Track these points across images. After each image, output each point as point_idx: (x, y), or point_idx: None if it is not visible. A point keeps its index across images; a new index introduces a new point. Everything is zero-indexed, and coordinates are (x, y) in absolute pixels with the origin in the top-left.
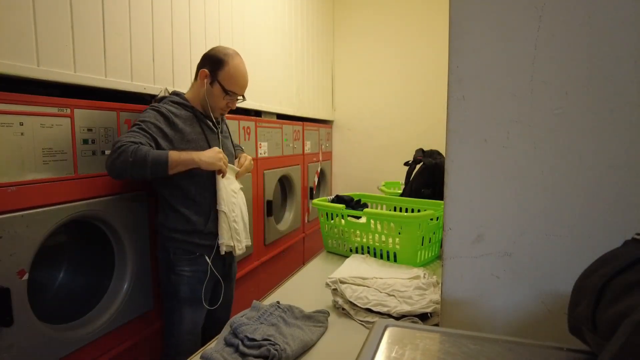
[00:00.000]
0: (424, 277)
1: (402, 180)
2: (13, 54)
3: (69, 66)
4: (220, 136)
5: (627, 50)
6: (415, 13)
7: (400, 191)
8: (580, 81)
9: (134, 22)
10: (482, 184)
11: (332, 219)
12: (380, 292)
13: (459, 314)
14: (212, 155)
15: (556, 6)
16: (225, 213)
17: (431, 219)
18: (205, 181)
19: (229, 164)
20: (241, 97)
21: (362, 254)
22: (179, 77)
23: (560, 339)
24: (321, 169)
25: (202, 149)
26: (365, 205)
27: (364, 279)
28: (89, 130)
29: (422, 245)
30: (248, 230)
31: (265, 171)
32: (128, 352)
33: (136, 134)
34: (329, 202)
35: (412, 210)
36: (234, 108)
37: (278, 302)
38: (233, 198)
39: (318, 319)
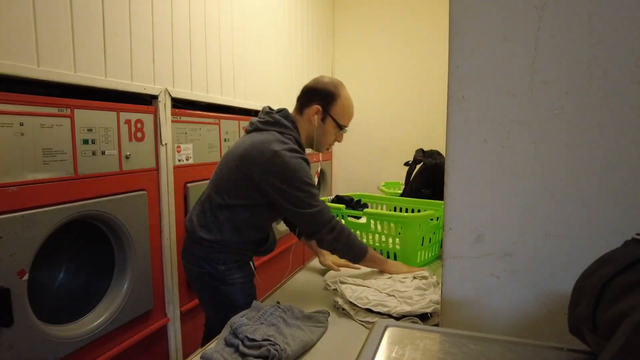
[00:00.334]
0: (423, 277)
1: (402, 181)
2: (13, 54)
3: (69, 66)
4: None
5: (627, 50)
6: (415, 13)
7: (401, 191)
8: (580, 81)
9: (134, 22)
10: (482, 184)
11: None
12: (381, 292)
13: (459, 314)
14: (399, 268)
15: (556, 6)
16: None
17: (431, 219)
18: (272, 212)
19: None
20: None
21: None
22: (179, 77)
23: (560, 339)
24: (321, 169)
25: None
26: (365, 206)
27: (363, 279)
28: (89, 130)
29: (422, 245)
30: None
31: None
32: (128, 352)
33: (321, 200)
34: (328, 202)
35: (412, 211)
36: (340, 141)
37: (278, 303)
38: None
39: (318, 319)
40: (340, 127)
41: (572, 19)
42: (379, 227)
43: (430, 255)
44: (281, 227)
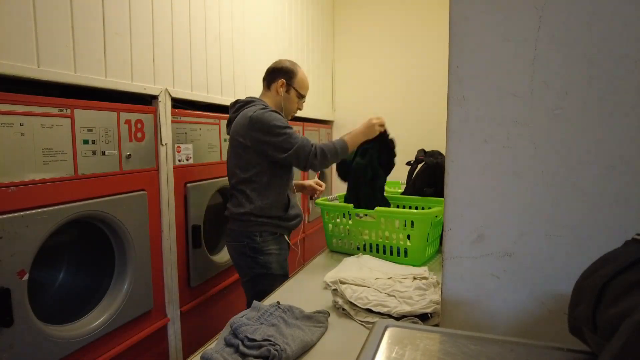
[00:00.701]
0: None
1: (402, 180)
2: (13, 54)
3: (69, 66)
4: None
5: (627, 50)
6: (416, 13)
7: (401, 190)
8: (580, 81)
9: (134, 22)
10: (482, 184)
11: (337, 219)
12: (381, 293)
13: (459, 314)
14: (370, 126)
15: (556, 6)
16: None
17: (436, 216)
18: (286, 170)
19: None
20: (304, 99)
21: (370, 251)
22: (179, 77)
23: (560, 339)
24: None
25: None
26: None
27: (363, 279)
28: (89, 130)
29: (428, 241)
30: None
31: None
32: (128, 352)
33: (299, 135)
34: (328, 201)
35: (416, 208)
36: (301, 109)
37: (278, 303)
38: None
39: (318, 319)
40: (301, 96)
41: (572, 19)
42: (386, 224)
43: (432, 251)
44: None
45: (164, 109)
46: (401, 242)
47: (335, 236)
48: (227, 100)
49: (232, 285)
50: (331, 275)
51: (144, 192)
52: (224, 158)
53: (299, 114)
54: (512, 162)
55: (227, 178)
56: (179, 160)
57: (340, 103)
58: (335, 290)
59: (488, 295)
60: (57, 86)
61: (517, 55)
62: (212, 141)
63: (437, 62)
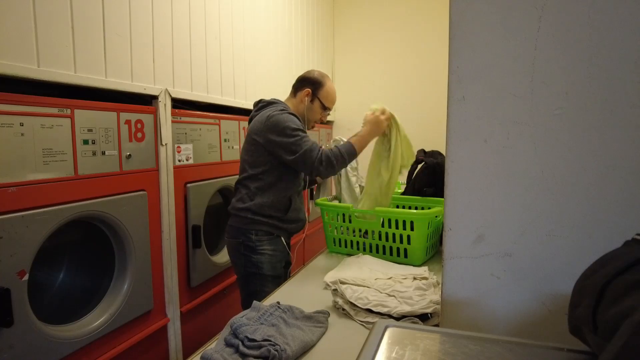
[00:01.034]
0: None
1: (402, 180)
2: (13, 54)
3: (69, 66)
4: None
5: (627, 50)
6: (416, 13)
7: (401, 190)
8: (580, 81)
9: (134, 22)
10: (482, 184)
11: (338, 219)
12: (381, 293)
13: (459, 314)
14: (377, 123)
15: (556, 6)
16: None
17: (436, 217)
18: (293, 174)
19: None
20: (329, 112)
21: (370, 252)
22: (179, 77)
23: (560, 339)
24: None
25: None
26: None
27: (363, 279)
28: (89, 130)
29: (427, 241)
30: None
31: None
32: (128, 352)
33: (310, 142)
34: (328, 200)
35: (416, 208)
36: (325, 121)
37: (278, 303)
38: None
39: (318, 319)
40: (325, 108)
41: (572, 19)
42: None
43: (431, 252)
44: None
45: (164, 109)
46: (402, 243)
47: (335, 237)
48: (227, 100)
49: (232, 285)
50: (331, 276)
51: (144, 192)
52: (224, 158)
53: None
54: (512, 162)
55: (227, 178)
56: (179, 161)
57: (340, 103)
58: (335, 290)
59: (488, 295)
60: (57, 86)
61: (517, 55)
62: (212, 141)
63: (437, 62)
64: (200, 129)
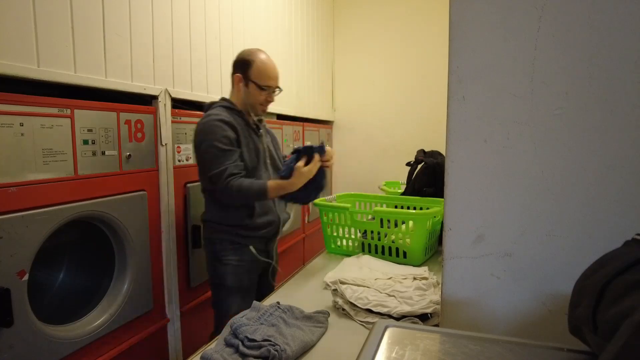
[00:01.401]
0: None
1: (402, 180)
2: (13, 54)
3: (69, 66)
4: (266, 141)
5: (627, 50)
6: (416, 14)
7: (401, 190)
8: (580, 81)
9: (134, 22)
10: (482, 184)
11: (337, 220)
12: (381, 293)
13: (459, 314)
14: (303, 175)
15: (556, 6)
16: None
17: (435, 217)
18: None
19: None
20: (277, 89)
21: (369, 252)
22: (179, 77)
23: (560, 339)
24: None
25: (254, 153)
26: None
27: (363, 279)
28: (89, 130)
29: (427, 241)
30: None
31: None
32: (128, 352)
33: (225, 160)
34: (327, 201)
35: (415, 208)
36: (273, 101)
37: (278, 303)
38: None
39: (318, 319)
40: (262, 88)
41: (572, 19)
42: (387, 224)
43: (431, 252)
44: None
45: (164, 109)
46: (400, 242)
47: (334, 238)
48: None
49: None
50: (331, 276)
51: (144, 192)
52: None
53: (298, 113)
54: (512, 162)
55: None
56: (179, 161)
57: (340, 103)
58: (335, 290)
59: (488, 295)
60: (57, 86)
61: (517, 55)
62: None
63: (437, 62)
64: None
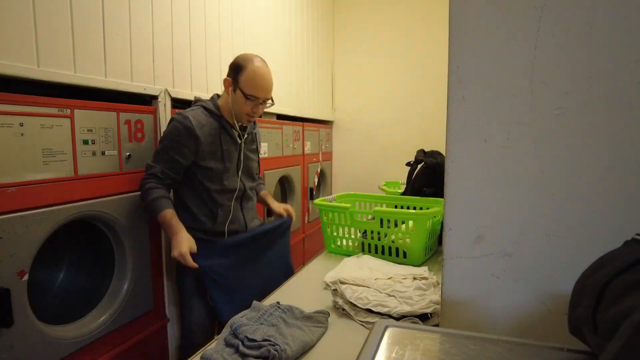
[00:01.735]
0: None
1: (402, 180)
2: (13, 54)
3: (69, 66)
4: (243, 148)
5: (627, 50)
6: (416, 14)
7: (401, 190)
8: (580, 81)
9: (134, 22)
10: (482, 184)
11: (337, 219)
12: (381, 293)
13: (459, 314)
14: (178, 254)
15: (556, 6)
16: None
17: (435, 217)
18: (217, 185)
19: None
20: (269, 101)
21: (369, 252)
22: (179, 77)
23: (560, 339)
24: (321, 170)
25: (220, 161)
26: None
27: (363, 279)
28: (89, 130)
29: (427, 241)
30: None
31: (265, 172)
32: (128, 352)
33: (162, 162)
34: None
35: (415, 208)
36: (259, 113)
37: (278, 303)
38: None
39: (318, 319)
40: (247, 97)
41: (572, 19)
42: (387, 224)
43: (430, 252)
44: None
45: (164, 109)
46: (400, 242)
47: (333, 238)
48: None
49: None
50: (331, 276)
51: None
52: None
53: (298, 113)
54: (512, 162)
55: None
56: None
57: (340, 103)
58: (335, 290)
59: (488, 295)
60: (57, 86)
61: (517, 55)
62: None
63: (437, 62)
64: None
